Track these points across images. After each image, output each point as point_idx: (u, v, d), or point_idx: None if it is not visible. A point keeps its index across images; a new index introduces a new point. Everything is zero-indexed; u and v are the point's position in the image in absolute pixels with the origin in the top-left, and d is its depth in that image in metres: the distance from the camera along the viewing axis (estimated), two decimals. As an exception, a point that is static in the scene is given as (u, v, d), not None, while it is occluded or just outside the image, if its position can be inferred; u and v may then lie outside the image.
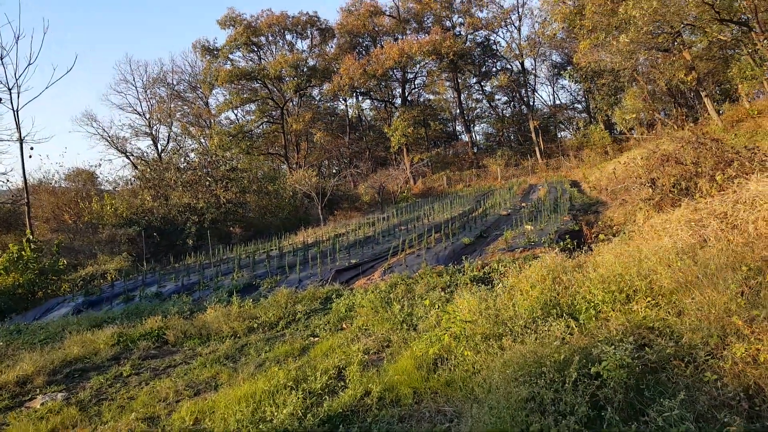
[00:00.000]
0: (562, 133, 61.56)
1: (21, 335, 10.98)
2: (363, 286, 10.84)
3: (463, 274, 9.77)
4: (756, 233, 5.67)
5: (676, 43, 25.72)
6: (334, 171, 57.41)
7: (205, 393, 5.73)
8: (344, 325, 7.84)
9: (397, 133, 46.19)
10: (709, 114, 27.56)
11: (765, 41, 21.51)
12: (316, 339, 7.31)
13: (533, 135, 49.48)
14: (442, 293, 8.27)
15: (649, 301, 4.63)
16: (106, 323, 10.54)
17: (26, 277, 16.43)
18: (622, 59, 26.92)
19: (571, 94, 60.73)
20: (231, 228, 33.20)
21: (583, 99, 58.95)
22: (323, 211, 32.41)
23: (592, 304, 4.75)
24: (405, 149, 49.29)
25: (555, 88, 71.51)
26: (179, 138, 51.63)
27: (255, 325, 8.60)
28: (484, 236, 14.63)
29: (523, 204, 23.00)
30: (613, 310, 4.63)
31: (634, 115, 37.25)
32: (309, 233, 26.31)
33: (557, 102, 59.71)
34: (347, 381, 5.14)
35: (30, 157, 17.10)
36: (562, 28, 29.54)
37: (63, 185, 34.65)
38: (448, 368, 4.72)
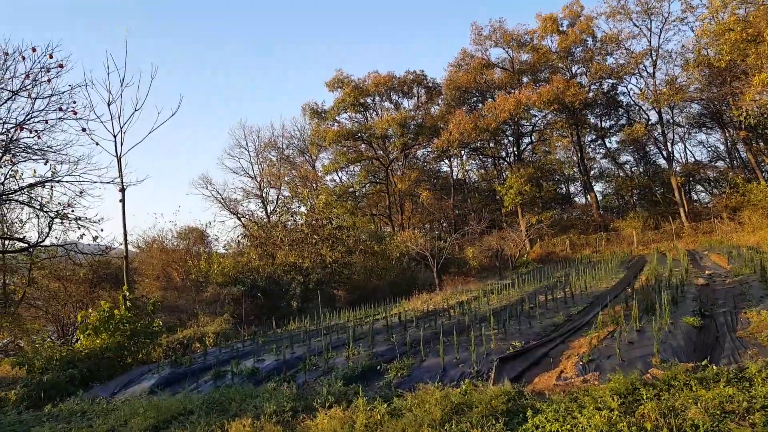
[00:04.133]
0: (700, 195, 53.62)
1: (80, 421, 8.39)
2: (556, 389, 6.83)
3: (765, 383, 5.47)
4: None
5: None
6: (435, 233, 54.27)
7: None
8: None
9: (512, 191, 42.11)
10: None
11: None
12: None
13: (676, 194, 42.64)
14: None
15: None
16: (179, 419, 7.52)
17: (115, 340, 14.32)
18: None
19: (709, 150, 53.09)
20: (335, 290, 30.65)
21: (727, 153, 51.13)
22: (437, 275, 28.69)
23: None
24: (519, 210, 44.82)
25: (688, 145, 63.20)
26: (287, 200, 51.97)
27: (402, 463, 4.94)
28: (706, 314, 9.97)
29: (711, 272, 17.64)
30: None
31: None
32: (424, 299, 22.65)
33: (693, 159, 52.25)
34: None
35: (121, 201, 15.44)
36: (728, 60, 24.37)
37: (174, 243, 34.59)
38: None
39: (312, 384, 9.05)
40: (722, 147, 51.54)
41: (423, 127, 45.61)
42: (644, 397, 5.64)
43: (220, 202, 48.76)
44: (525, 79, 48.04)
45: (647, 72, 44.15)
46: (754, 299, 10.98)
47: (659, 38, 42.70)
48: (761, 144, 40.66)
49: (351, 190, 50.59)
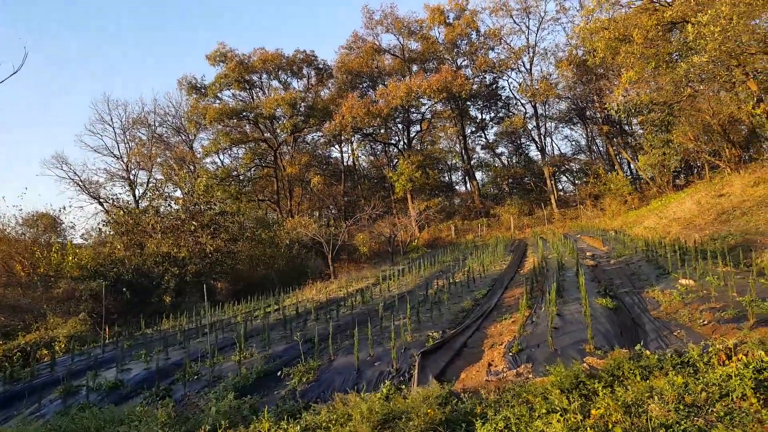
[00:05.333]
0: (564, 185, 58.79)
1: None
2: (490, 386, 6.01)
3: (710, 369, 5.13)
4: None
5: (736, 72, 22.44)
6: (325, 220, 53.05)
7: None
8: None
9: (403, 178, 42.23)
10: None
11: None
12: None
13: (548, 182, 46.01)
14: None
15: None
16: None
17: (-76, 353, 11.09)
18: (675, 90, 23.78)
19: (573, 143, 58.49)
20: (216, 282, 28.07)
21: (587, 147, 56.66)
22: (332, 262, 27.50)
23: None
24: (409, 196, 45.21)
25: (555, 138, 69.31)
26: (160, 183, 46.95)
27: None
28: (611, 295, 9.98)
29: (592, 254, 18.62)
30: None
31: (657, 161, 34.18)
32: (319, 287, 21.37)
33: (558, 152, 57.26)
34: None
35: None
36: (601, 58, 26.22)
37: (19, 231, 29.18)
38: None
39: (195, 399, 7.37)
40: (583, 141, 57.01)
41: (314, 109, 43.70)
42: (599, 393, 4.99)
43: (78, 184, 42.47)
44: (415, 68, 48.37)
45: (525, 68, 46.93)
46: (650, 279, 11.34)
47: (536, 36, 45.57)
48: (619, 139, 45.30)
49: (234, 173, 47.14)
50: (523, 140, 55.90)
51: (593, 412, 4.73)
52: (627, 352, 6.20)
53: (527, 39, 45.73)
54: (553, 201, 45.92)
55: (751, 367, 5.10)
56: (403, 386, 6.46)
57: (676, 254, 12.44)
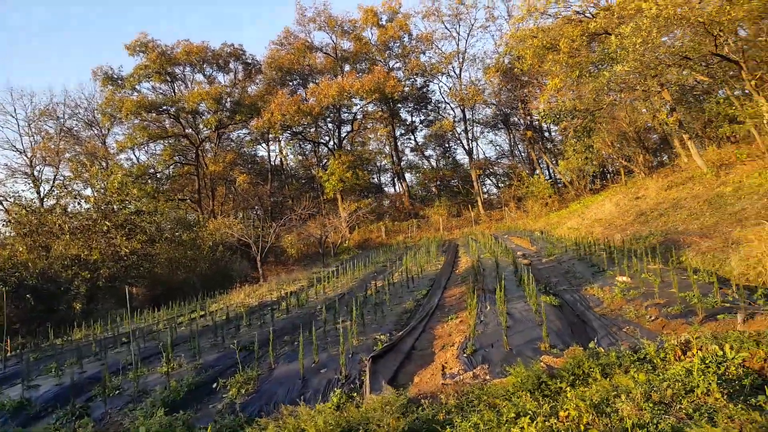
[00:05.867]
0: (489, 187, 60.83)
1: None
2: (448, 390, 5.68)
3: (668, 364, 5.17)
4: None
5: (652, 82, 24.15)
6: (250, 221, 50.89)
7: None
8: None
9: (333, 177, 41.56)
10: (681, 159, 26.21)
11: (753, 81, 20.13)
12: None
13: (475, 184, 47.29)
14: None
15: None
16: None
17: None
18: (597, 98, 25.17)
19: (497, 148, 60.78)
20: (132, 286, 25.93)
21: (510, 152, 59.09)
22: (261, 264, 26.30)
23: None
24: (340, 197, 44.59)
25: (480, 143, 71.69)
26: (69, 180, 42.88)
27: None
28: (552, 293, 10.09)
29: (522, 253, 19.08)
30: None
31: (578, 165, 36.06)
32: (247, 291, 20.26)
33: (483, 156, 59.27)
34: None
35: None
36: (529, 65, 27.20)
37: None
38: None
39: (118, 417, 6.45)
40: (507, 146, 59.37)
41: (241, 105, 41.81)
42: (566, 394, 4.82)
43: (-27, 179, 37.88)
44: (347, 67, 47.88)
45: (455, 73, 47.99)
46: (586, 277, 11.64)
47: (466, 42, 46.75)
48: (540, 144, 47.55)
49: (152, 171, 44.07)
50: (450, 143, 57.36)
51: (561, 413, 4.53)
52: (580, 349, 6.15)
53: (457, 45, 47.02)
54: (479, 203, 47.27)
55: (708, 361, 5.15)
56: (355, 394, 5.99)
57: (606, 253, 12.94)
